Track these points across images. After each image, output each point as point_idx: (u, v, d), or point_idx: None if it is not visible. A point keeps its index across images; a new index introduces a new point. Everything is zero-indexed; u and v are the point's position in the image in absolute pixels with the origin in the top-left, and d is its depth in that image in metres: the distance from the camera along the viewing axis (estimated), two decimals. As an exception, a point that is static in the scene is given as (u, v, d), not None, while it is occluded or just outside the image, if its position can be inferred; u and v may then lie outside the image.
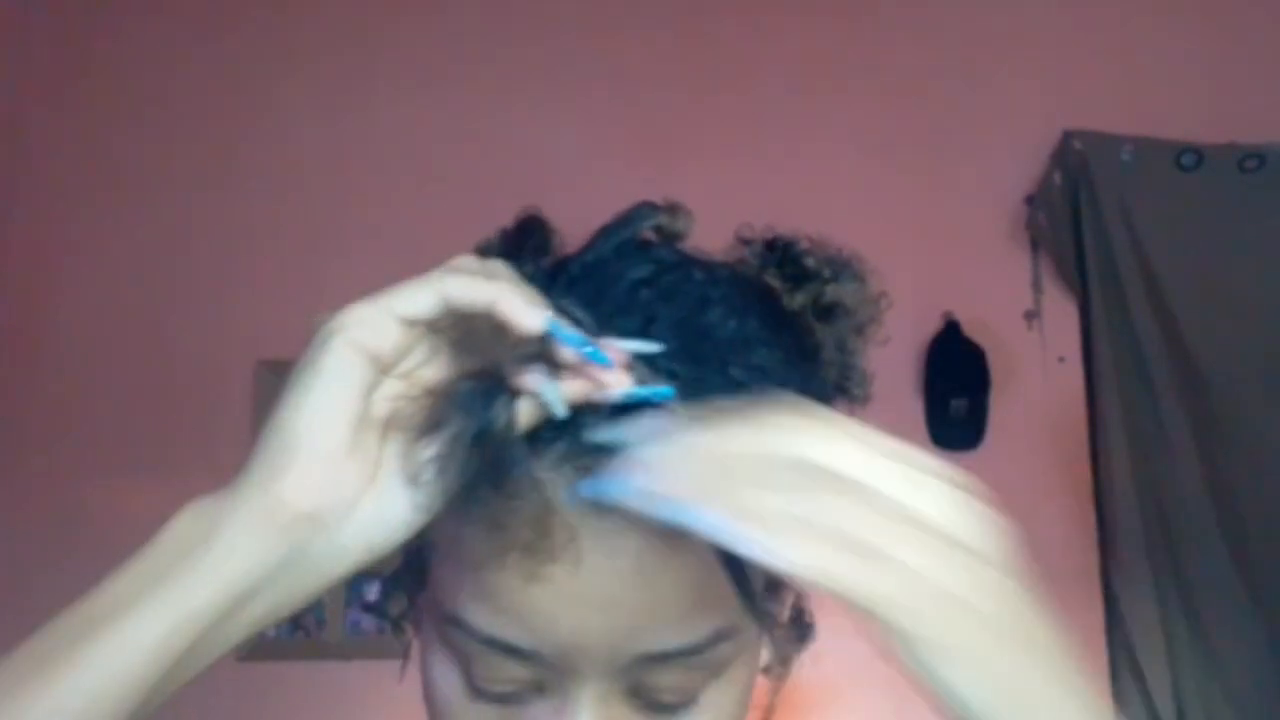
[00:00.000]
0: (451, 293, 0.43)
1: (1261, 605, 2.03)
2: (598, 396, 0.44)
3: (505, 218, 0.55)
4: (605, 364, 0.44)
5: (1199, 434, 2.11)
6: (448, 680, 0.49)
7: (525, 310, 0.43)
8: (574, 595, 0.45)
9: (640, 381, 0.45)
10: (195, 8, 2.34)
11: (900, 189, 2.25)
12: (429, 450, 0.44)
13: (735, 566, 0.46)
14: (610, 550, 0.44)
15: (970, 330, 2.15)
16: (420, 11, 2.34)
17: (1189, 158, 2.21)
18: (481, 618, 0.46)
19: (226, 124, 2.29)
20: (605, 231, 0.51)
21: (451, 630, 0.48)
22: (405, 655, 0.57)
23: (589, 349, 0.44)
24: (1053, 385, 2.20)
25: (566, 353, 0.44)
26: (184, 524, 0.42)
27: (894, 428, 0.42)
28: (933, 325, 2.16)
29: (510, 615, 0.45)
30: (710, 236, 0.56)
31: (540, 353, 0.44)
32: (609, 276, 0.49)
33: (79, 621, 0.41)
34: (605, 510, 0.43)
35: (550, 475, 0.45)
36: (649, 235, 0.52)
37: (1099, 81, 2.31)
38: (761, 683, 0.59)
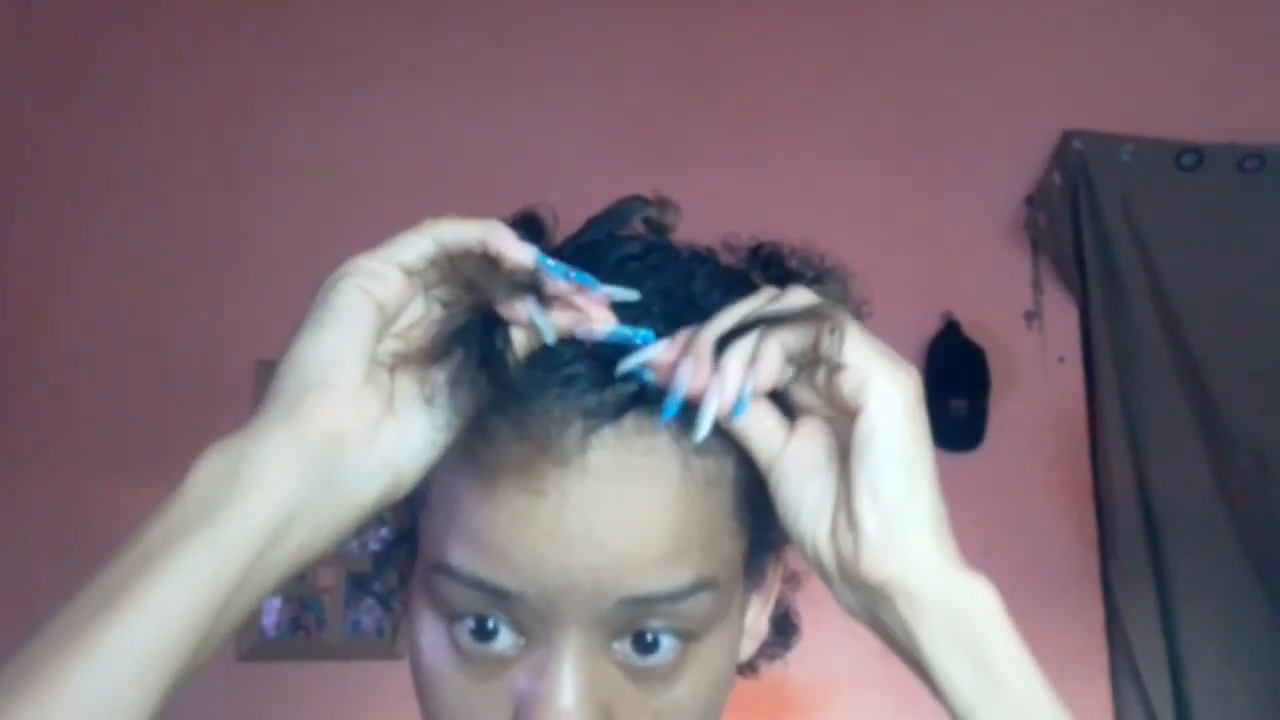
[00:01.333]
0: (444, 234, 0.46)
1: (1263, 605, 2.03)
2: (582, 331, 0.46)
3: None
4: (591, 284, 0.46)
5: (1201, 433, 2.11)
6: (435, 643, 0.50)
7: (515, 244, 0.46)
8: (560, 534, 0.46)
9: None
10: (195, 10, 2.34)
11: (900, 189, 2.25)
12: (438, 376, 0.46)
13: (742, 514, 0.50)
14: (597, 491, 0.46)
15: (970, 330, 2.15)
16: (420, 15, 2.34)
17: (1189, 158, 2.21)
18: (468, 560, 0.47)
19: (227, 125, 2.29)
20: (596, 220, 0.54)
21: (439, 580, 0.48)
22: (394, 629, 0.57)
23: (574, 273, 0.46)
24: (1053, 385, 2.20)
25: (554, 285, 0.46)
26: (211, 463, 0.43)
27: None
28: (933, 325, 2.16)
29: (497, 555, 0.46)
30: (710, 239, 0.56)
31: (530, 285, 0.46)
32: (600, 253, 0.51)
33: (125, 568, 0.41)
34: (591, 452, 0.46)
35: (540, 415, 0.46)
36: (638, 228, 0.54)
37: (1099, 81, 2.31)
38: (754, 687, 0.59)
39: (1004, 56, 2.34)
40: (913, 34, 2.35)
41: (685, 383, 0.45)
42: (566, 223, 0.55)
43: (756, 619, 0.59)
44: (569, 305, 0.47)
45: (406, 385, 0.46)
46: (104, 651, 0.40)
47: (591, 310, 0.47)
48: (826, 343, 0.46)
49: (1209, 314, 2.15)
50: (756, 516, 0.51)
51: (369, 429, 0.45)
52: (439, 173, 2.20)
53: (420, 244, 0.46)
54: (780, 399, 0.49)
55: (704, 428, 0.45)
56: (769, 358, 0.46)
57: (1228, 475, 2.09)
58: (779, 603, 0.62)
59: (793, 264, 0.55)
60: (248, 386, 2.11)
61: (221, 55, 2.32)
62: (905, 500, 0.45)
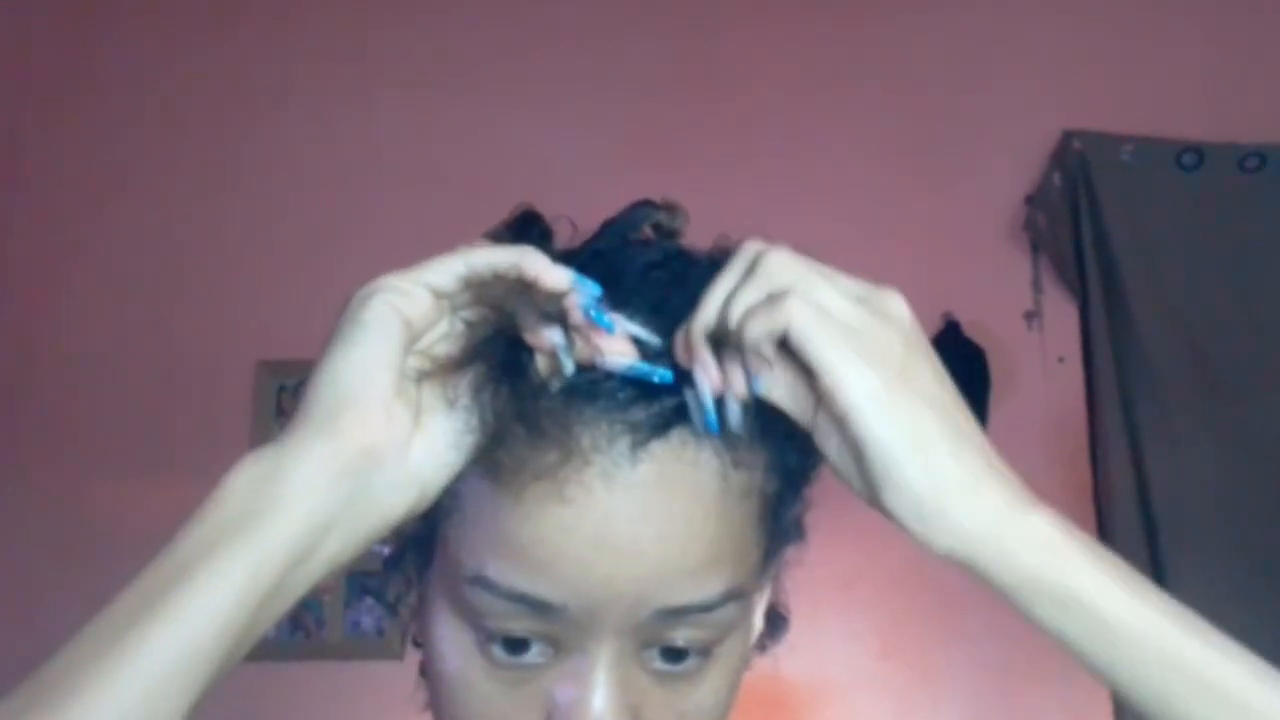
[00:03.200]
0: (475, 259, 0.47)
1: (1263, 605, 2.03)
2: (601, 363, 0.47)
3: (505, 221, 0.56)
4: (608, 328, 0.47)
5: (1202, 433, 2.11)
6: (461, 651, 0.50)
7: (550, 268, 0.47)
8: (607, 545, 0.47)
9: (645, 360, 0.48)
10: (195, 11, 2.34)
11: (900, 189, 2.25)
12: (462, 384, 0.47)
13: (764, 524, 0.51)
14: (639, 503, 0.47)
15: (970, 330, 2.15)
16: (420, 16, 2.34)
17: (1189, 158, 2.21)
18: (508, 573, 0.47)
19: (227, 126, 2.29)
20: (609, 225, 0.55)
21: (473, 592, 0.48)
22: (404, 635, 0.58)
23: (595, 312, 0.47)
24: (1053, 385, 2.20)
25: (577, 316, 0.47)
26: (246, 474, 0.44)
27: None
28: (933, 325, 2.16)
29: (541, 568, 0.47)
30: (710, 239, 0.57)
31: (557, 314, 0.47)
32: (620, 261, 0.52)
33: (163, 576, 0.42)
34: (635, 463, 0.47)
35: (586, 428, 0.47)
36: (647, 232, 0.55)
37: (1099, 81, 2.31)
38: (754, 687, 0.59)
39: (1004, 56, 2.34)
40: (913, 34, 2.35)
41: (707, 389, 0.47)
42: (566, 222, 0.55)
43: (755, 612, 0.60)
44: (587, 335, 0.47)
45: (431, 397, 0.48)
46: (143, 656, 0.41)
47: (611, 346, 0.47)
48: (795, 344, 0.46)
49: (1209, 314, 2.15)
50: (775, 523, 0.53)
51: (400, 443, 0.46)
52: (439, 173, 2.20)
53: (451, 267, 0.47)
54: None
55: (735, 419, 0.47)
56: (752, 346, 0.46)
57: (1229, 474, 2.09)
58: (770, 599, 0.63)
59: None
60: (248, 386, 2.12)
61: (221, 55, 2.32)
62: (924, 484, 0.45)
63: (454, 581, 0.50)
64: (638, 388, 0.48)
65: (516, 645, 0.49)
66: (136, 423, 2.14)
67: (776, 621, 0.63)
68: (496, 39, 2.34)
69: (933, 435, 0.46)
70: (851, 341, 0.46)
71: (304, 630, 2.07)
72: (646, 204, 0.55)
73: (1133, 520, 2.07)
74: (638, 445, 0.47)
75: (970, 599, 2.31)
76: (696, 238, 0.57)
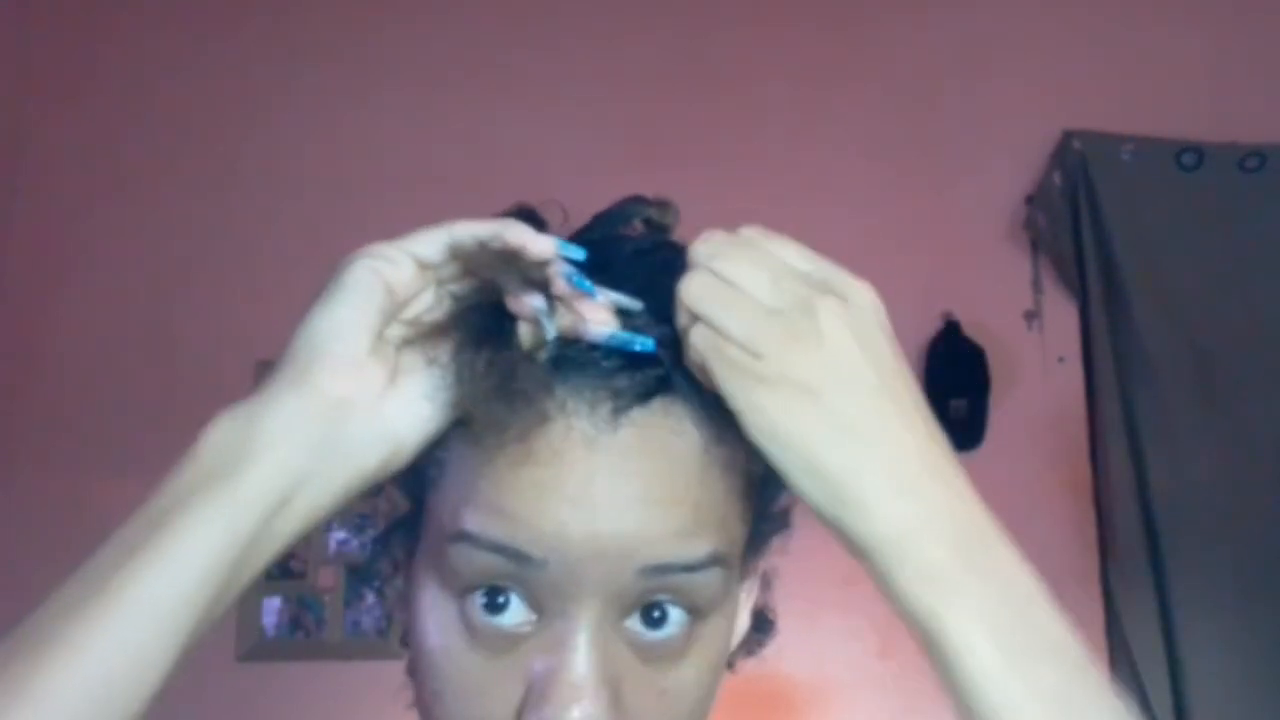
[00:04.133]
0: (459, 232, 0.49)
1: (1263, 605, 2.03)
2: (583, 331, 0.48)
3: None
4: (590, 291, 0.48)
5: (1202, 433, 2.11)
6: (443, 622, 0.50)
7: (534, 236, 0.48)
8: (587, 503, 0.47)
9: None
10: (196, 10, 2.34)
11: (900, 189, 2.25)
12: (444, 348, 0.49)
13: (747, 502, 0.52)
14: (620, 465, 0.48)
15: (970, 330, 2.15)
16: (420, 15, 2.34)
17: (1189, 158, 2.21)
18: (489, 525, 0.48)
19: (227, 125, 2.29)
20: (600, 218, 0.56)
21: (455, 550, 0.49)
22: (390, 613, 0.58)
23: (577, 279, 0.48)
24: (1053, 385, 2.20)
25: (560, 284, 0.48)
26: (221, 428, 0.46)
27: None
28: (933, 325, 2.16)
29: (521, 522, 0.48)
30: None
31: (540, 283, 0.48)
32: (609, 248, 0.53)
33: (142, 526, 0.43)
34: (616, 428, 0.48)
35: (569, 394, 0.48)
36: (638, 227, 0.56)
37: (1099, 81, 2.31)
38: (754, 687, 0.59)
39: (1004, 56, 2.34)
40: (913, 34, 2.35)
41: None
42: (557, 209, 0.56)
43: (740, 612, 0.60)
44: (571, 303, 0.49)
45: (410, 359, 0.49)
46: (127, 602, 0.42)
47: (593, 314, 0.48)
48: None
49: (1209, 314, 2.15)
50: (758, 508, 0.54)
51: (373, 398, 0.47)
52: (439, 173, 2.20)
53: (436, 237, 0.49)
54: None
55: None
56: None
57: (1230, 474, 2.09)
58: (757, 598, 0.63)
59: None
60: (248, 386, 2.11)
61: (221, 55, 2.32)
62: (843, 471, 0.45)
63: (438, 548, 0.50)
64: (621, 357, 0.49)
65: (496, 606, 0.49)
66: (136, 423, 2.14)
67: (764, 625, 0.63)
68: (496, 39, 2.34)
69: (811, 461, 0.46)
70: (747, 371, 0.46)
71: (304, 630, 2.07)
72: (637, 199, 0.56)
73: (1133, 520, 2.07)
74: (619, 411, 0.48)
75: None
76: (694, 237, 0.57)
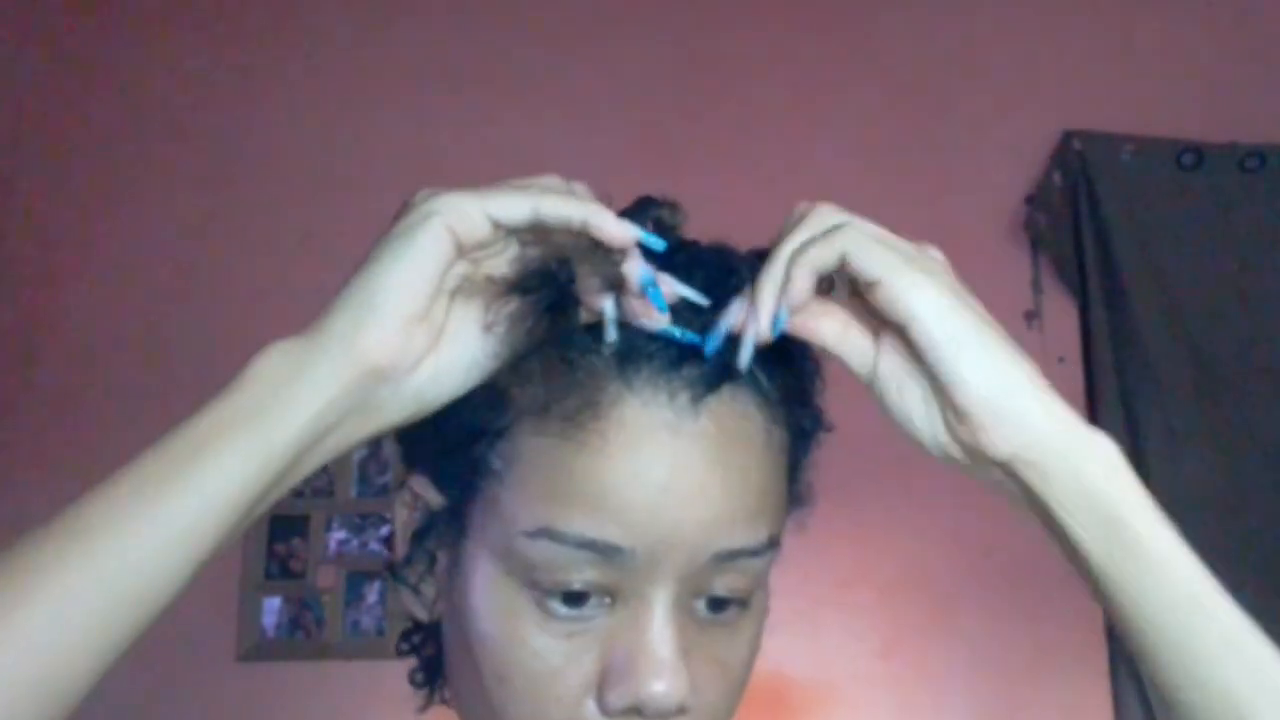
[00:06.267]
0: (545, 209, 0.49)
1: (1264, 605, 2.03)
2: (637, 323, 0.50)
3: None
4: (660, 307, 0.50)
5: (1202, 433, 2.11)
6: (510, 610, 0.51)
7: (617, 224, 0.49)
8: (676, 491, 0.49)
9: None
10: (195, 10, 2.34)
11: (900, 189, 2.25)
12: (502, 321, 0.49)
13: (788, 483, 0.55)
14: (703, 452, 0.50)
15: (970, 330, 2.15)
16: (419, 16, 2.34)
17: (1189, 158, 2.21)
18: (577, 522, 0.49)
19: (227, 125, 2.29)
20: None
21: (535, 546, 0.49)
22: (430, 603, 0.58)
23: (650, 285, 0.49)
24: (1053, 385, 2.20)
25: (633, 276, 0.49)
26: (271, 362, 0.48)
27: (894, 428, 0.42)
28: (933, 325, 2.16)
29: (611, 515, 0.49)
30: (709, 239, 0.57)
31: (614, 277, 0.49)
32: (694, 258, 0.54)
33: (185, 446, 0.46)
34: (696, 416, 0.50)
35: (646, 383, 0.50)
36: (649, 228, 0.56)
37: (1099, 81, 2.31)
38: (755, 687, 0.59)
39: (1004, 56, 2.34)
40: (912, 34, 2.35)
41: (728, 320, 0.50)
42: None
43: None
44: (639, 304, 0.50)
45: (459, 319, 0.50)
46: (162, 511, 0.44)
47: (649, 314, 0.50)
48: (853, 265, 0.50)
49: (1209, 313, 2.15)
50: (794, 482, 0.57)
51: (411, 364, 0.48)
52: (439, 173, 2.18)
53: (518, 209, 0.49)
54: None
55: (744, 356, 0.49)
56: (798, 278, 0.49)
57: (1229, 473, 2.09)
58: None
59: None
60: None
61: (221, 55, 2.32)
62: (997, 380, 0.50)
63: (508, 540, 0.50)
64: (682, 347, 0.50)
65: (575, 598, 0.50)
66: (136, 422, 2.13)
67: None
68: (496, 39, 2.34)
69: (998, 339, 0.51)
70: (906, 258, 0.50)
71: (304, 630, 2.07)
72: (649, 200, 0.57)
73: (1133, 520, 2.07)
74: (696, 399, 0.50)
75: (970, 600, 2.31)
76: (696, 237, 0.57)
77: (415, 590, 0.57)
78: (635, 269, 0.49)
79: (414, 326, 0.48)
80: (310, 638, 2.07)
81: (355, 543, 2.09)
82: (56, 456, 2.13)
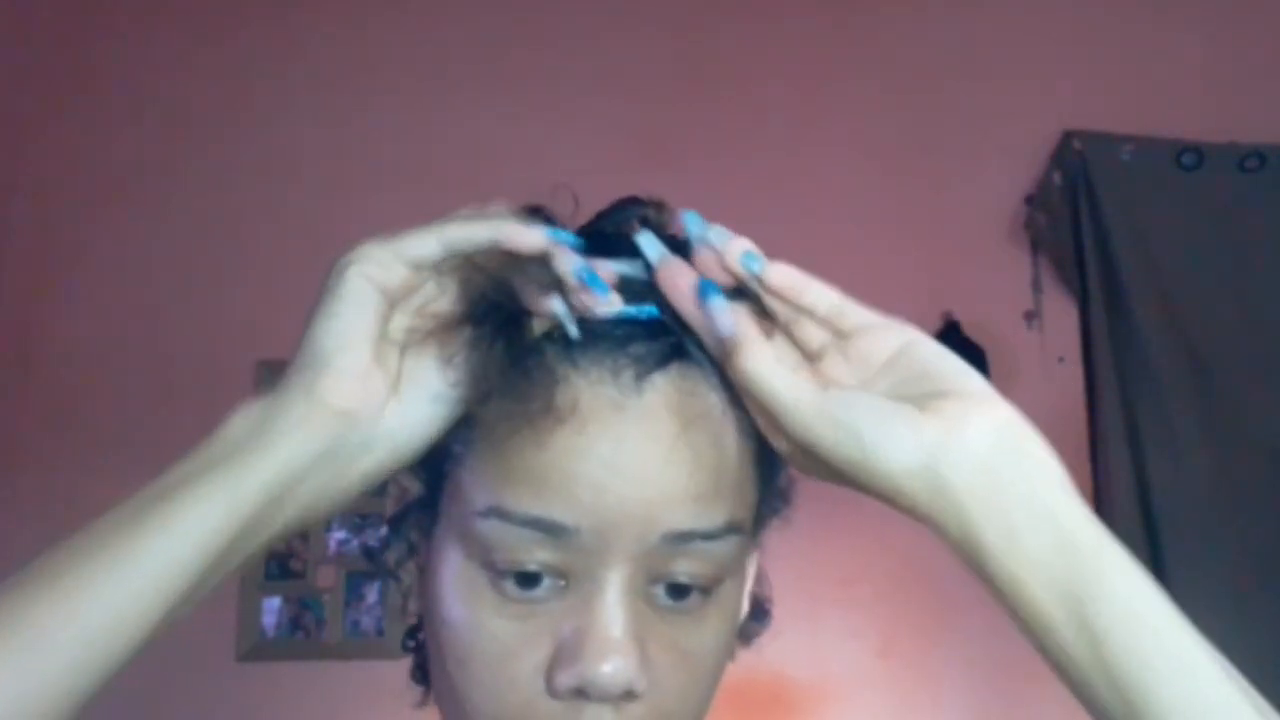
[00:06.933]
0: (452, 237, 0.50)
1: (1263, 605, 2.03)
2: (592, 313, 0.50)
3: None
4: (601, 291, 0.50)
5: (1202, 433, 2.11)
6: (469, 591, 0.51)
7: (525, 232, 0.50)
8: (618, 468, 0.49)
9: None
10: (196, 11, 2.34)
11: (900, 189, 2.25)
12: (460, 350, 0.50)
13: (759, 467, 0.53)
14: (648, 429, 0.49)
15: (970, 330, 2.15)
16: (419, 15, 2.34)
17: (1189, 158, 2.21)
18: (525, 500, 0.49)
19: (227, 125, 2.29)
20: (598, 217, 0.57)
21: (487, 525, 0.50)
22: (407, 594, 0.59)
23: (587, 274, 0.49)
24: (1053, 385, 2.20)
25: (567, 273, 0.49)
26: (239, 420, 0.48)
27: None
28: (933, 325, 2.16)
29: (554, 491, 0.49)
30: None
31: (551, 280, 0.50)
32: (610, 239, 0.54)
33: (153, 495, 0.46)
34: (641, 392, 0.50)
35: (593, 365, 0.50)
36: (636, 228, 0.56)
37: (1099, 81, 2.31)
38: (754, 686, 0.59)
39: (1004, 56, 2.34)
40: (912, 34, 2.35)
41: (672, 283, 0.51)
42: (569, 222, 0.56)
43: (748, 581, 0.61)
44: (579, 291, 0.50)
45: (415, 363, 0.51)
46: (129, 561, 0.44)
47: (597, 303, 0.50)
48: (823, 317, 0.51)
49: (1209, 314, 2.15)
50: (767, 476, 0.55)
51: (375, 407, 0.49)
52: (439, 172, 2.20)
53: (426, 244, 0.50)
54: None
55: (724, 323, 0.49)
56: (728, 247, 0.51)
57: (1229, 474, 2.09)
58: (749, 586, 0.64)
59: None
60: (248, 386, 2.11)
61: (220, 55, 2.32)
62: (970, 376, 0.52)
63: (466, 521, 0.51)
64: (633, 326, 0.51)
65: (528, 579, 0.50)
66: (136, 422, 2.14)
67: (759, 613, 0.64)
68: (496, 39, 2.34)
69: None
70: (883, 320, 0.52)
71: (304, 630, 2.07)
72: (633, 200, 0.57)
73: (1133, 520, 2.07)
74: (641, 376, 0.50)
75: (970, 599, 2.30)
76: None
77: (393, 576, 0.58)
78: (566, 264, 0.49)
79: (367, 372, 0.49)
80: (310, 638, 2.07)
81: (355, 543, 2.09)
82: (56, 458, 2.13)
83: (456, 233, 0.50)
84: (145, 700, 2.01)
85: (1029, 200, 2.24)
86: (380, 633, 2.06)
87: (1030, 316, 2.23)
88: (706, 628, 0.52)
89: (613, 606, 0.49)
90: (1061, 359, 2.21)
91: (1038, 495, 0.48)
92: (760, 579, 0.63)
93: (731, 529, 0.51)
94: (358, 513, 2.10)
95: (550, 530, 0.49)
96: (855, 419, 0.47)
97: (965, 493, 0.47)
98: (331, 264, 0.51)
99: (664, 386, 0.50)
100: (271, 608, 2.07)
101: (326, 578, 2.08)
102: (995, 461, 0.48)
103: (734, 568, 0.53)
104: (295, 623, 2.07)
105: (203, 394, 2.15)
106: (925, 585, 2.05)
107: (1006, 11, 2.36)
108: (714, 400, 0.51)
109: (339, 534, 2.09)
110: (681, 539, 0.50)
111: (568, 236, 0.51)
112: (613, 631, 0.48)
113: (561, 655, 0.49)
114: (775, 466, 0.55)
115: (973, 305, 2.18)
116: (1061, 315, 2.23)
